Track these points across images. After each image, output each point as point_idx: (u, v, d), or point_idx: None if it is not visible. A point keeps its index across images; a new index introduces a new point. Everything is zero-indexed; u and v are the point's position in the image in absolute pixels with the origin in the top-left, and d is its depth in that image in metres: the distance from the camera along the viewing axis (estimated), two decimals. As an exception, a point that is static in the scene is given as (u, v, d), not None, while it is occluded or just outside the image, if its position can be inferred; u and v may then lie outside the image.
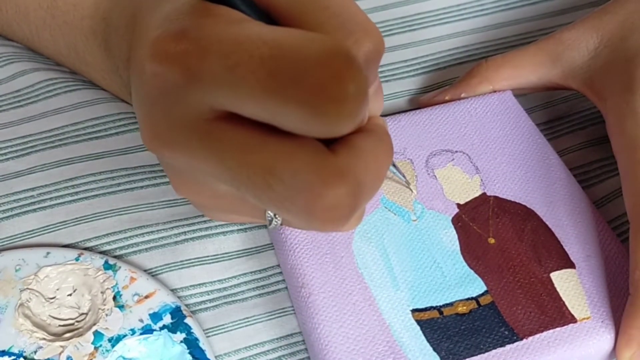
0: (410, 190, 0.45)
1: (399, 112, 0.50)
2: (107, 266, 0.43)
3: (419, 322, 0.40)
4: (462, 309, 0.40)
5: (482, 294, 0.41)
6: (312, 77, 0.25)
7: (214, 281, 0.44)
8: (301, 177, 0.27)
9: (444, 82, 0.55)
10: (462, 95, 0.51)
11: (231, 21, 0.28)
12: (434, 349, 0.39)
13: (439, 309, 0.40)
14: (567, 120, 0.54)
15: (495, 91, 0.51)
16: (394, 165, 0.44)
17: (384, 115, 0.50)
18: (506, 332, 0.39)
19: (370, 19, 0.30)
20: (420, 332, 0.39)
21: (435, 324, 0.40)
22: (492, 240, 0.43)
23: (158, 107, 0.30)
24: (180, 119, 0.29)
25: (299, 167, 0.27)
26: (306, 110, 0.25)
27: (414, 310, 0.40)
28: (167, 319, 0.41)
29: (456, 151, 0.47)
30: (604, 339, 0.40)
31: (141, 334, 0.41)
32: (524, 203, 0.45)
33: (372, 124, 0.31)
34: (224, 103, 0.27)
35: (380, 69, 0.56)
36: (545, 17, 0.61)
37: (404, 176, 0.44)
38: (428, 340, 0.39)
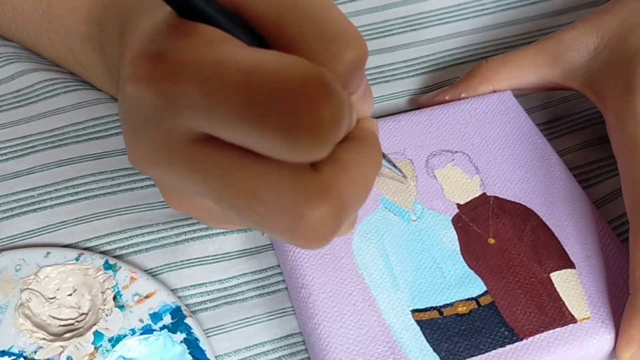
0: (408, 183, 0.45)
1: (398, 113, 0.50)
2: (107, 266, 0.43)
3: (419, 322, 0.40)
4: (462, 309, 0.40)
5: (482, 294, 0.41)
6: (285, 105, 0.24)
7: (214, 281, 0.44)
8: (282, 199, 0.26)
9: (444, 82, 0.55)
10: (462, 95, 0.51)
11: (209, 42, 0.27)
12: (434, 349, 0.39)
13: (439, 309, 0.40)
14: (567, 121, 0.54)
15: (495, 91, 0.51)
16: (389, 160, 0.44)
17: (384, 115, 0.49)
18: (506, 333, 0.39)
19: (353, 24, 0.29)
20: (420, 333, 0.39)
21: (435, 324, 0.40)
22: (492, 241, 0.43)
23: (140, 128, 0.29)
24: (161, 141, 0.29)
25: (280, 188, 0.26)
26: (279, 139, 0.25)
27: (414, 311, 0.40)
28: (167, 319, 0.41)
29: (456, 151, 0.47)
30: (604, 339, 0.40)
31: (141, 334, 0.41)
32: (523, 203, 0.45)
33: (360, 130, 0.31)
34: (201, 127, 0.27)
35: (380, 69, 0.56)
36: (546, 17, 0.61)
37: (400, 170, 0.44)
38: (428, 341, 0.39)
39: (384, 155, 0.41)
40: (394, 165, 0.43)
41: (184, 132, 0.28)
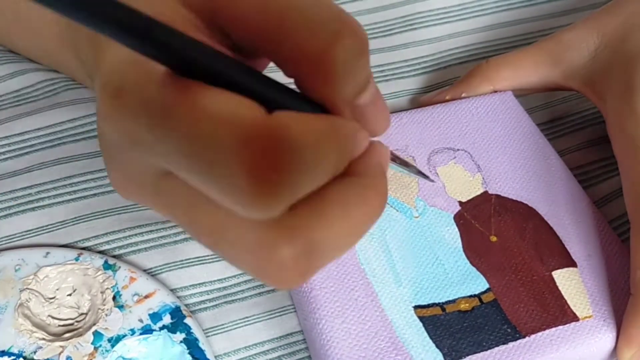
0: (428, 178, 0.43)
1: (400, 111, 0.50)
2: (106, 266, 0.43)
3: (421, 318, 0.39)
4: (464, 306, 0.40)
5: (485, 292, 0.41)
6: (227, 164, 0.23)
7: (214, 280, 0.44)
8: (246, 238, 0.25)
9: (444, 82, 0.55)
10: (463, 95, 0.51)
11: (162, 80, 0.25)
12: (437, 346, 0.38)
13: (441, 305, 0.40)
14: (567, 121, 0.54)
15: (495, 91, 0.51)
16: (396, 161, 0.41)
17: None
18: (508, 330, 0.39)
19: (348, 13, 0.27)
20: (423, 329, 0.39)
21: (438, 320, 0.39)
22: (494, 238, 0.43)
23: (113, 158, 0.29)
24: (132, 173, 0.28)
25: (245, 227, 0.25)
26: (224, 197, 0.23)
27: (416, 307, 0.40)
28: (166, 319, 0.41)
29: (458, 149, 0.47)
30: (606, 337, 0.40)
31: (141, 334, 0.41)
32: (525, 202, 0.45)
33: (365, 165, 0.28)
34: (163, 167, 0.26)
35: (380, 69, 0.56)
36: (546, 17, 0.61)
37: (424, 175, 0.43)
38: (431, 337, 0.39)
39: (406, 164, 0.38)
40: (402, 164, 0.40)
41: (151, 167, 0.27)
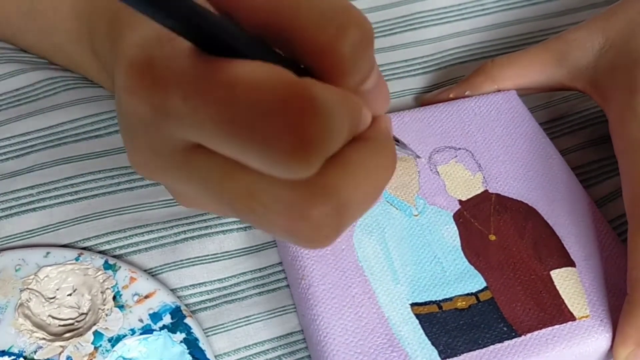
0: (418, 157, 0.45)
1: (401, 110, 0.50)
2: (107, 266, 0.43)
3: (418, 316, 0.40)
4: (461, 304, 0.40)
5: (482, 290, 0.41)
6: (267, 124, 0.23)
7: (214, 280, 0.44)
8: (282, 200, 0.26)
9: (445, 82, 0.55)
10: (467, 93, 0.51)
11: (192, 50, 0.26)
12: (432, 343, 0.38)
13: (438, 303, 0.40)
14: (568, 120, 0.54)
15: (499, 90, 0.51)
16: (397, 140, 0.43)
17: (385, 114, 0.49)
18: (505, 329, 0.39)
19: (354, 6, 0.28)
20: (419, 326, 0.39)
21: (434, 318, 0.39)
22: (493, 237, 0.43)
23: (137, 136, 0.29)
24: (158, 149, 0.29)
25: (279, 189, 0.26)
26: (262, 158, 0.24)
27: (413, 304, 0.40)
28: (167, 319, 0.41)
29: (459, 148, 0.47)
30: (602, 337, 0.40)
31: (141, 334, 0.41)
32: (525, 201, 0.45)
33: (374, 131, 0.30)
34: (193, 139, 0.27)
35: (381, 68, 0.56)
36: (546, 17, 0.61)
37: (411, 150, 0.44)
38: (427, 334, 0.39)
39: (397, 140, 0.41)
40: (403, 146, 0.42)
41: (179, 141, 0.27)
